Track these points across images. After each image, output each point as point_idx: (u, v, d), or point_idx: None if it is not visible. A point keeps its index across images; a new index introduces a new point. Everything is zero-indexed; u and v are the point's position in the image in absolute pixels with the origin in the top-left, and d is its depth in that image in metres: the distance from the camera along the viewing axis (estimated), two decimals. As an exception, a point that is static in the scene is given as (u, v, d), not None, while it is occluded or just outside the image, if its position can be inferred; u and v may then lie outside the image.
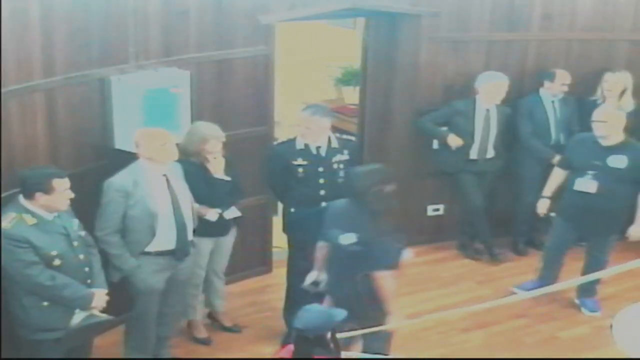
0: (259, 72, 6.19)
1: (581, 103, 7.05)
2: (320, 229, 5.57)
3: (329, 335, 4.01)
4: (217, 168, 5.49)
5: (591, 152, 5.98)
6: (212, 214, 5.46)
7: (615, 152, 5.93)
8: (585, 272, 6.28)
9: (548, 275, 6.38)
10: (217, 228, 5.56)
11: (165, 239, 5.07)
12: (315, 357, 3.97)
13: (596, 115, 6.06)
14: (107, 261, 4.97)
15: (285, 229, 5.78)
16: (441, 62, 6.88)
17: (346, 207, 4.91)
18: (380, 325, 4.81)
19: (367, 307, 4.80)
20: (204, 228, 5.43)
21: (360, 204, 4.79)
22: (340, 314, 4.09)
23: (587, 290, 6.34)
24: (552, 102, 6.97)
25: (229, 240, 5.75)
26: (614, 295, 6.51)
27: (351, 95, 9.13)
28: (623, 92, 6.99)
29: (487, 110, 6.77)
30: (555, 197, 6.33)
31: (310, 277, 5.18)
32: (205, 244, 5.57)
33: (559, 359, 5.77)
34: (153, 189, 5.01)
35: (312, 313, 4.02)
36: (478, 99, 6.78)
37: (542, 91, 6.98)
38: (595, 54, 7.18)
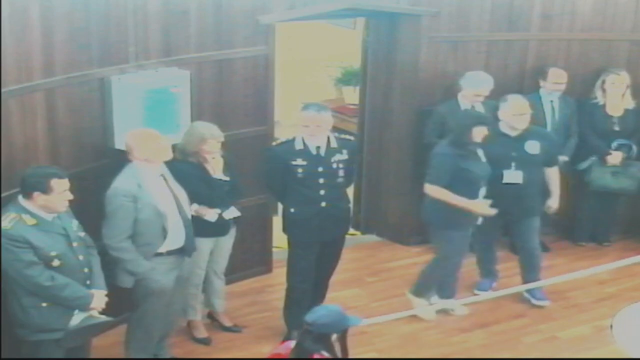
0: (259, 72, 6.19)
1: (580, 103, 7.06)
2: (318, 230, 5.58)
3: (334, 337, 4.05)
4: (216, 168, 5.49)
5: (504, 145, 6.12)
6: (211, 214, 5.46)
7: (526, 140, 6.14)
8: (523, 266, 6.40)
9: (493, 271, 6.57)
10: (217, 228, 5.56)
11: (175, 238, 5.09)
12: (315, 356, 3.98)
13: (520, 108, 6.14)
14: (106, 266, 4.92)
15: (285, 229, 5.78)
16: (441, 62, 6.87)
17: None
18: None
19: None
20: (204, 228, 5.43)
21: None
22: (355, 321, 4.19)
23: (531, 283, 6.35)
24: (551, 102, 6.96)
25: (228, 240, 5.74)
26: (614, 295, 6.51)
27: (351, 95, 9.13)
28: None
29: (473, 107, 6.69)
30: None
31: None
32: (205, 244, 5.57)
33: (559, 359, 5.77)
34: (156, 190, 5.01)
35: (326, 311, 4.15)
36: (460, 98, 6.67)
37: (541, 91, 6.98)
38: (595, 54, 7.18)
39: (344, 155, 5.63)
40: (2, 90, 4.70)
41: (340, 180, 5.65)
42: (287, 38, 7.48)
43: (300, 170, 5.54)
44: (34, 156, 5.01)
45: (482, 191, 5.96)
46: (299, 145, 5.56)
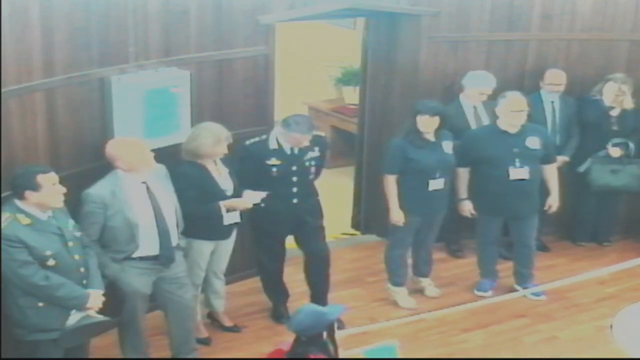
0: (259, 72, 6.19)
1: (581, 100, 7.03)
2: (289, 223, 5.77)
3: (324, 334, 4.08)
4: (222, 172, 5.49)
5: (505, 142, 6.16)
6: (255, 196, 5.49)
7: (525, 136, 6.18)
8: (519, 260, 6.50)
9: (494, 271, 6.59)
10: (219, 232, 5.57)
11: (148, 246, 5.04)
12: (311, 356, 4.00)
13: (518, 105, 6.13)
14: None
15: (254, 220, 5.85)
16: (441, 62, 6.87)
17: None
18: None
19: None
20: (206, 231, 5.47)
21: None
22: (335, 312, 4.21)
23: (525, 277, 6.48)
24: (552, 102, 6.96)
25: (229, 242, 5.74)
26: (614, 295, 6.51)
27: (351, 95, 9.13)
28: None
29: (475, 107, 6.73)
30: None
31: None
32: (206, 246, 5.58)
33: (559, 359, 5.77)
34: (132, 199, 4.96)
35: (303, 314, 4.19)
36: (462, 97, 6.71)
37: (542, 91, 6.97)
38: (595, 54, 7.17)
39: (316, 153, 5.78)
40: (2, 90, 4.70)
41: (311, 176, 5.82)
42: (287, 38, 7.47)
43: (274, 169, 5.65)
44: (34, 156, 5.01)
45: (438, 182, 6.02)
46: (273, 145, 5.65)
